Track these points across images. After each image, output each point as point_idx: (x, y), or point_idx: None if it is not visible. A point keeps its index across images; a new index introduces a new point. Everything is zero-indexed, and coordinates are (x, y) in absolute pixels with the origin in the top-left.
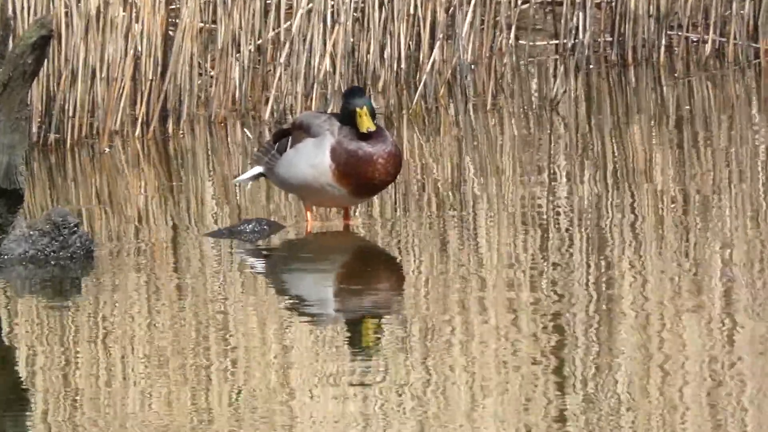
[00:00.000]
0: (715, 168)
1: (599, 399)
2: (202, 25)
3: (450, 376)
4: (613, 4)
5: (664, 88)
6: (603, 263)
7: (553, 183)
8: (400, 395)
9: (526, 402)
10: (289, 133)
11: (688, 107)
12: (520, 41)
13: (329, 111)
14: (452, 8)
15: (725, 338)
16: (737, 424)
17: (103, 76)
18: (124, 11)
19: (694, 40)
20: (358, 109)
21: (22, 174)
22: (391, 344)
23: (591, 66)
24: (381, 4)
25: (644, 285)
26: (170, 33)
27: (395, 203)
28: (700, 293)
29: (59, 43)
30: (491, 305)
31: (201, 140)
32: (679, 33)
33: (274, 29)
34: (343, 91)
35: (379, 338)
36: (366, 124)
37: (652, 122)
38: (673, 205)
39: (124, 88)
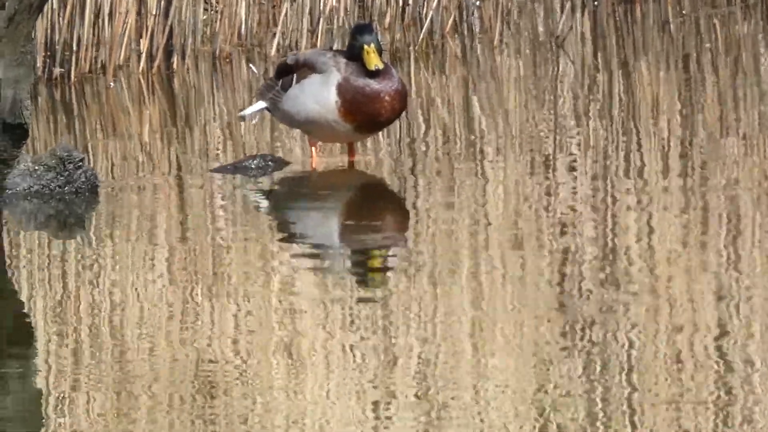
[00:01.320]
0: (721, 104)
1: (606, 341)
2: None
3: (452, 305)
4: None
5: (671, 26)
6: (608, 198)
7: (559, 119)
8: (403, 320)
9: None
10: (292, 69)
11: (694, 45)
12: None
13: (334, 47)
14: None
15: (733, 269)
16: (743, 373)
17: (107, 11)
18: None
19: None
20: (366, 46)
21: (28, 108)
22: (393, 277)
23: (597, 3)
24: None
25: (649, 223)
26: None
27: (400, 140)
28: (706, 226)
29: None
30: (496, 241)
31: (206, 76)
32: None
33: None
34: (349, 27)
35: (381, 271)
36: (374, 61)
37: (658, 60)
38: (678, 144)
39: (128, 22)
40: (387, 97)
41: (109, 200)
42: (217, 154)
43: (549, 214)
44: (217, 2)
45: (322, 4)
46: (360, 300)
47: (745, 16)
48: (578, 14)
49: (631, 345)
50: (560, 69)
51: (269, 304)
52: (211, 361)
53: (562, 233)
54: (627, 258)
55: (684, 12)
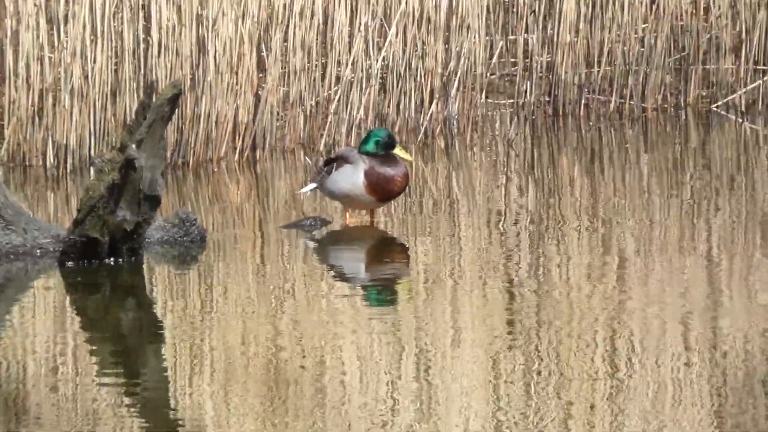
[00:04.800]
0: (614, 180)
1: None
2: (280, 87)
3: (439, 314)
4: (550, 75)
5: (582, 132)
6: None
7: (508, 189)
8: (411, 323)
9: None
10: (333, 161)
11: (597, 145)
12: (489, 100)
13: (353, 145)
14: (445, 78)
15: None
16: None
17: (215, 120)
18: (230, 79)
19: (603, 100)
20: (398, 146)
21: (160, 185)
22: (401, 296)
23: (534, 117)
24: (399, 78)
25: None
26: (259, 92)
27: (404, 207)
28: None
29: (187, 97)
30: (480, 270)
31: (277, 163)
32: (593, 95)
33: (327, 91)
34: (369, 131)
35: (393, 293)
36: (407, 155)
37: (576, 153)
38: (585, 201)
39: (228, 128)
40: (397, 179)
41: (214, 246)
42: (287, 215)
43: (499, 244)
44: (285, 114)
45: (353, 117)
46: (376, 312)
47: (632, 127)
48: (522, 123)
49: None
50: (509, 159)
51: (317, 312)
52: (279, 348)
53: (506, 266)
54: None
55: (590, 123)
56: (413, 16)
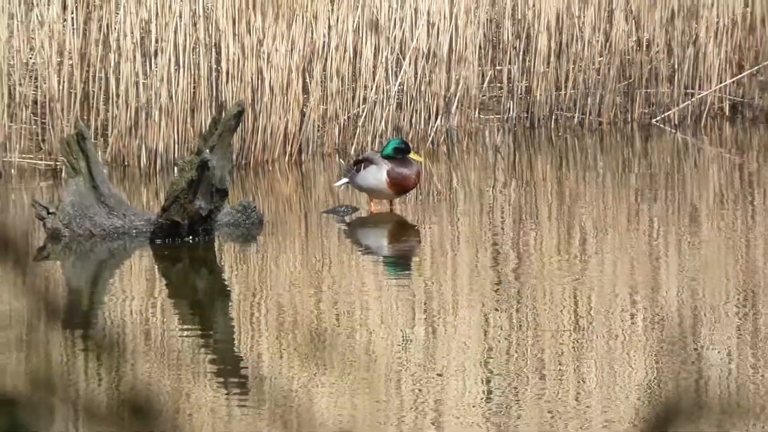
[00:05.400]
0: (577, 176)
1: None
2: (320, 105)
3: (442, 278)
4: (528, 97)
5: (554, 140)
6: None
7: (496, 184)
8: (421, 287)
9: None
10: (361, 162)
11: (564, 150)
12: (480, 116)
13: (377, 150)
14: (447, 99)
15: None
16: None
17: (269, 131)
18: (281, 99)
19: (568, 116)
20: (413, 152)
21: (228, 181)
22: (413, 266)
23: (516, 129)
24: (411, 99)
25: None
26: (304, 110)
27: (415, 198)
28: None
29: (249, 113)
30: (474, 246)
31: (318, 164)
32: (561, 112)
33: (356, 108)
34: (389, 139)
35: (407, 263)
36: (419, 158)
37: (548, 156)
38: (555, 196)
39: (280, 137)
40: (412, 177)
41: (269, 227)
42: (325, 203)
43: (488, 226)
44: (324, 126)
45: (375, 128)
46: (393, 278)
47: (591, 136)
48: (506, 134)
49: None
50: (496, 162)
51: (349, 278)
52: (320, 312)
53: (494, 243)
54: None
55: (559, 134)
56: (422, 51)
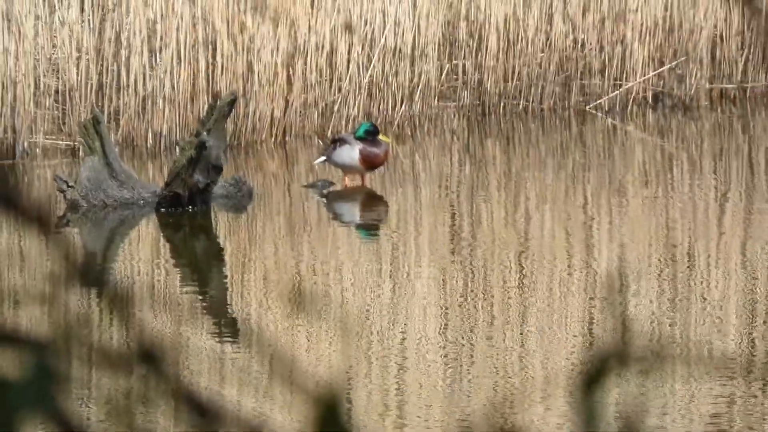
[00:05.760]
0: (521, 155)
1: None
2: (302, 95)
3: (407, 242)
4: (480, 87)
5: (502, 125)
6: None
7: (452, 161)
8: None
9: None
10: (336, 142)
11: (511, 133)
12: (440, 103)
13: (350, 132)
14: (410, 89)
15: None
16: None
17: (258, 116)
18: (268, 89)
19: (515, 103)
20: (381, 134)
21: (223, 159)
22: (382, 231)
23: (470, 115)
24: (380, 89)
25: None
26: (288, 98)
27: (383, 174)
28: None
29: (240, 101)
30: (433, 213)
31: (300, 145)
32: (509, 100)
33: (332, 96)
34: (361, 123)
35: (376, 229)
36: (386, 138)
37: (497, 139)
38: (504, 172)
39: (267, 121)
40: (381, 155)
41: (258, 199)
42: (306, 178)
43: (446, 197)
44: (305, 112)
45: (349, 114)
46: (365, 242)
47: (533, 121)
48: (461, 119)
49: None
50: (453, 143)
51: (327, 242)
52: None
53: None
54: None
55: (507, 119)
56: (389, 47)
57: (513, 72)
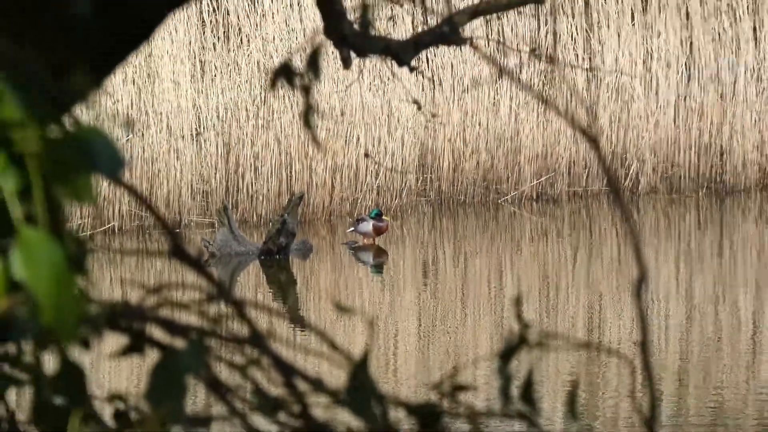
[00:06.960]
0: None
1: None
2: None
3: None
4: (440, 191)
5: (452, 210)
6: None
7: (425, 232)
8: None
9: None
10: (359, 220)
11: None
12: (417, 197)
13: (367, 214)
14: (401, 188)
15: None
16: None
17: (314, 204)
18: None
19: (461, 199)
20: (384, 215)
21: (295, 228)
22: (386, 270)
23: (434, 204)
24: (386, 187)
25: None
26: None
27: (386, 238)
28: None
29: (306, 198)
30: (427, 259)
31: (340, 222)
32: (456, 196)
33: (357, 194)
34: (372, 209)
35: (382, 267)
36: (387, 219)
37: (452, 217)
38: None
39: (323, 209)
40: (386, 227)
41: (316, 251)
42: (343, 239)
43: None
44: (341, 203)
45: (366, 203)
46: (374, 274)
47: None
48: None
49: None
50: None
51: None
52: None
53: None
54: None
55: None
56: (389, 167)
57: (460, 179)
